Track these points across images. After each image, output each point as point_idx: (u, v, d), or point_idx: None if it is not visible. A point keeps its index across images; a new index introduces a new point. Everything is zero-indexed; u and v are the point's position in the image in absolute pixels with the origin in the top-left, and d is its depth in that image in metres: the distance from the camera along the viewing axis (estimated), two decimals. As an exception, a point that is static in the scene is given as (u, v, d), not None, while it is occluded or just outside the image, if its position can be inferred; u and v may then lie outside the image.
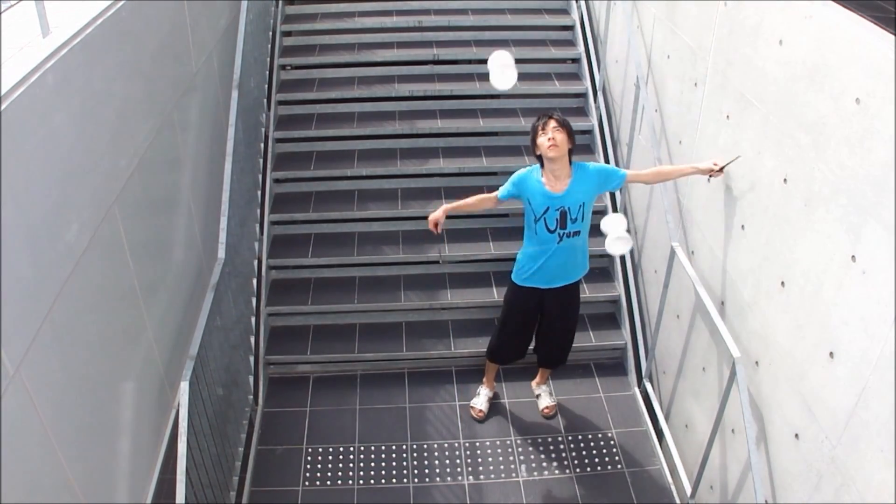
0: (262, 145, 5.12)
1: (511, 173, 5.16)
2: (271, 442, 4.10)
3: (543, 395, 4.27)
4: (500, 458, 3.97)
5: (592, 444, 4.08)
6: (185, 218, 3.82)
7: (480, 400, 4.26)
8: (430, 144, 5.36)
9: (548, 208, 3.45)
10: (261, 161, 5.03)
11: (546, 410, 4.23)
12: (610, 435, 4.13)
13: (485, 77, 5.65)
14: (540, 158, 3.48)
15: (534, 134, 3.45)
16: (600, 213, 5.04)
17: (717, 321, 3.23)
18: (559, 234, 3.48)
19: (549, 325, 3.89)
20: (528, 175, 3.53)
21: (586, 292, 4.66)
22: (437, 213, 3.62)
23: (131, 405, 3.00)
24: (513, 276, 3.77)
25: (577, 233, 3.50)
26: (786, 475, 2.86)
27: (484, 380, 4.29)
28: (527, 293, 3.73)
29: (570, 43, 5.82)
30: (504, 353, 4.08)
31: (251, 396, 4.28)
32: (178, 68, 3.73)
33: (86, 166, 2.61)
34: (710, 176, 3.37)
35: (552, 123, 3.38)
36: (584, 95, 5.50)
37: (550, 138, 3.36)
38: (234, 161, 3.82)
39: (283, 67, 5.70)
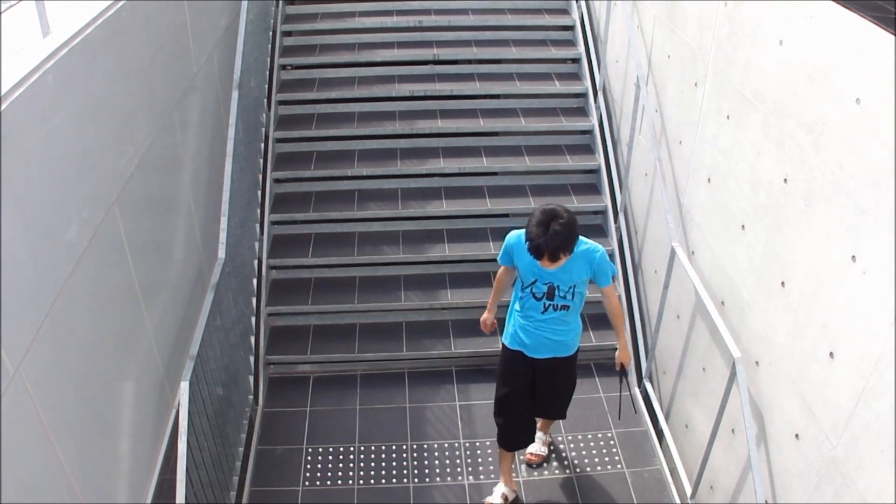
0: (263, 145, 5.12)
1: (511, 174, 5.24)
2: (271, 442, 4.10)
3: (536, 442, 3.92)
4: (501, 458, 3.97)
5: (592, 444, 4.08)
6: (186, 218, 3.82)
7: (494, 497, 3.69)
8: (430, 144, 5.36)
9: (535, 280, 3.17)
10: (261, 161, 5.03)
11: (529, 457, 3.91)
12: (610, 435, 4.13)
13: (485, 77, 5.72)
14: None
15: (526, 229, 3.01)
16: (601, 213, 5.06)
17: (717, 321, 3.23)
18: (545, 303, 3.20)
19: (539, 396, 3.49)
20: (518, 242, 3.16)
21: (587, 292, 4.66)
22: (485, 316, 3.58)
23: (131, 405, 3.00)
24: (502, 336, 3.46)
25: (565, 307, 3.20)
26: (786, 475, 2.86)
27: (502, 475, 3.76)
28: (517, 357, 3.36)
29: (571, 43, 5.82)
30: (511, 433, 3.57)
31: (251, 396, 4.28)
32: (178, 68, 3.73)
33: (86, 166, 2.61)
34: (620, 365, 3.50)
35: (545, 258, 2.99)
36: (584, 95, 5.50)
37: (543, 263, 3.06)
38: (234, 161, 3.82)
39: (283, 67, 5.70)
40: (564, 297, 3.18)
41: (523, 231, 3.08)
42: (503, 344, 3.44)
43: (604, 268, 3.20)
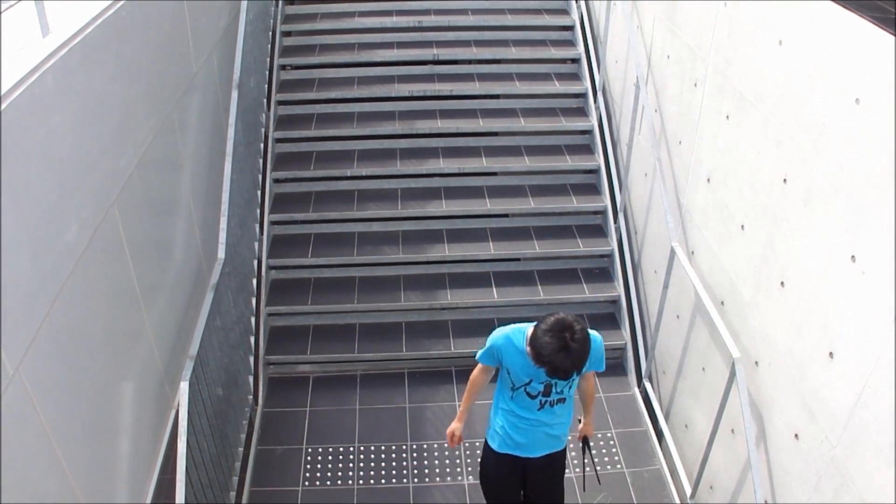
0: (262, 145, 5.12)
1: (510, 174, 5.24)
2: (271, 442, 4.10)
3: None
4: (500, 458, 3.97)
5: (592, 443, 4.07)
6: (185, 218, 3.82)
7: None
8: (429, 144, 5.36)
9: (531, 380, 2.84)
10: (261, 161, 5.03)
11: None
12: (610, 435, 4.13)
13: (485, 77, 5.72)
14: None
15: (538, 352, 2.59)
16: (601, 213, 5.06)
17: (716, 321, 3.23)
18: (541, 400, 2.89)
19: (533, 497, 3.21)
20: (508, 344, 2.84)
21: (586, 292, 4.67)
22: (454, 426, 3.14)
23: (131, 405, 3.00)
24: (487, 437, 3.10)
25: (561, 400, 2.91)
26: (785, 475, 2.86)
27: None
28: (506, 461, 3.05)
29: (570, 43, 5.82)
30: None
31: (251, 396, 4.28)
32: (177, 68, 3.73)
33: (85, 166, 2.61)
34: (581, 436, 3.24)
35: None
36: (583, 95, 5.50)
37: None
38: (233, 161, 3.82)
39: (282, 67, 5.70)
40: (561, 392, 2.88)
41: (511, 331, 2.84)
42: (488, 445, 3.08)
43: (600, 355, 2.91)
